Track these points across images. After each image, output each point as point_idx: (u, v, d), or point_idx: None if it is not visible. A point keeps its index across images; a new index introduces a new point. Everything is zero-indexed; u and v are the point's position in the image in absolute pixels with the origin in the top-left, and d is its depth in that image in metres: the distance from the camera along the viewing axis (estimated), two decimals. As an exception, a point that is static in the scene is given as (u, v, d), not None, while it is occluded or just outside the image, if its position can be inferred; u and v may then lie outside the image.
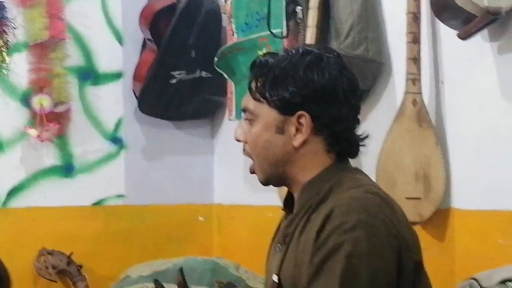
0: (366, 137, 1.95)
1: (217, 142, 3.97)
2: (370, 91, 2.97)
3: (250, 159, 1.94)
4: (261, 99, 1.89)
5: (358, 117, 1.93)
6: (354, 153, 1.95)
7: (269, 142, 1.89)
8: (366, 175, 1.97)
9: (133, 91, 3.83)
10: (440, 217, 2.73)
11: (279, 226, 2.02)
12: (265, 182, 1.95)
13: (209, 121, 4.00)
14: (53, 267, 3.60)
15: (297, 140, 1.87)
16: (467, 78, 2.66)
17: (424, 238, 2.78)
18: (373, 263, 1.73)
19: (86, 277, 3.62)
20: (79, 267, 3.64)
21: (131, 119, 3.87)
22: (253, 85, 1.90)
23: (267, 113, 1.88)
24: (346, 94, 1.87)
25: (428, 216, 2.72)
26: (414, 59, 2.71)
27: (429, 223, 2.76)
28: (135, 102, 3.82)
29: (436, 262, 2.75)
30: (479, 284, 1.96)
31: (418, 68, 2.71)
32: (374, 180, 2.77)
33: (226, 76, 3.56)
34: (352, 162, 3.03)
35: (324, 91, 1.85)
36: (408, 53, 2.71)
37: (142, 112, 3.81)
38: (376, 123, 2.93)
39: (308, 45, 1.97)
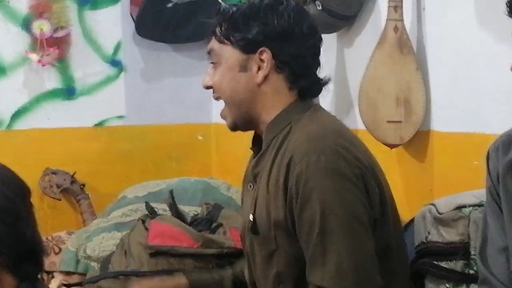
0: (329, 79, 2.07)
1: (214, 64, 4.04)
2: (356, 18, 3.04)
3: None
4: (225, 41, 2.01)
5: (320, 59, 2.04)
6: (316, 91, 2.06)
7: (234, 81, 2.01)
8: (324, 110, 2.07)
9: (131, 14, 3.91)
10: (420, 139, 2.82)
11: (249, 164, 2.14)
12: (233, 126, 2.08)
13: (206, 43, 4.06)
14: (57, 186, 3.74)
15: (259, 76, 1.99)
16: (447, 5, 2.72)
17: (405, 159, 2.90)
18: (345, 199, 1.87)
19: (89, 195, 3.78)
20: (82, 186, 3.78)
21: (129, 42, 3.96)
22: (217, 30, 2.03)
23: (231, 54, 2.00)
24: (304, 35, 1.99)
25: (409, 138, 2.81)
26: (396, -13, 2.78)
27: (410, 145, 2.86)
28: (133, 25, 3.91)
29: (417, 182, 2.88)
30: (437, 210, 2.07)
31: (400, -5, 2.78)
32: (356, 105, 2.89)
33: (220, 0, 3.63)
34: (340, 87, 3.15)
35: (283, 31, 1.98)
36: (391, -20, 2.78)
37: (140, 36, 3.90)
38: (360, 49, 3.02)
39: None
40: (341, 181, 1.86)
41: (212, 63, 2.06)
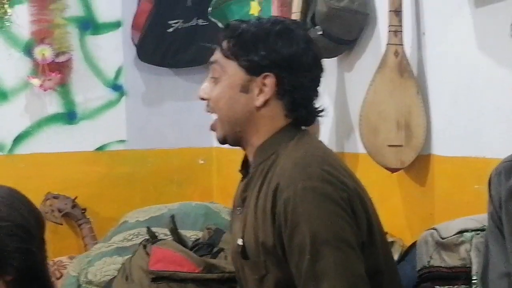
0: (323, 110, 2.06)
1: (215, 88, 4.05)
2: (356, 42, 3.05)
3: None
4: (231, 56, 1.98)
5: (318, 89, 2.04)
6: (310, 121, 2.06)
7: (233, 100, 1.98)
8: (310, 136, 2.06)
9: (132, 39, 3.93)
10: (421, 163, 2.82)
11: (238, 188, 2.11)
12: (222, 140, 2.04)
13: (207, 67, 4.07)
14: (59, 211, 3.76)
15: (260, 100, 1.98)
16: (447, 30, 2.73)
17: (406, 183, 2.90)
18: (333, 222, 1.86)
19: (90, 219, 3.78)
20: (83, 210, 3.79)
21: (130, 66, 3.98)
22: (224, 44, 2.00)
23: (235, 71, 1.98)
24: (310, 66, 1.99)
25: (410, 162, 2.81)
26: (396, 12, 2.78)
27: (411, 169, 2.86)
28: (134, 50, 3.93)
29: (418, 206, 2.88)
30: (439, 234, 2.07)
31: (400, 20, 2.78)
32: (357, 129, 2.89)
33: (220, 25, 3.65)
34: (340, 111, 3.15)
35: (290, 59, 1.97)
36: (390, 6, 2.78)
37: (141, 60, 3.92)
38: (361, 73, 3.03)
39: (279, 17, 2.10)
40: (329, 205, 1.85)
41: (212, 77, 2.02)
